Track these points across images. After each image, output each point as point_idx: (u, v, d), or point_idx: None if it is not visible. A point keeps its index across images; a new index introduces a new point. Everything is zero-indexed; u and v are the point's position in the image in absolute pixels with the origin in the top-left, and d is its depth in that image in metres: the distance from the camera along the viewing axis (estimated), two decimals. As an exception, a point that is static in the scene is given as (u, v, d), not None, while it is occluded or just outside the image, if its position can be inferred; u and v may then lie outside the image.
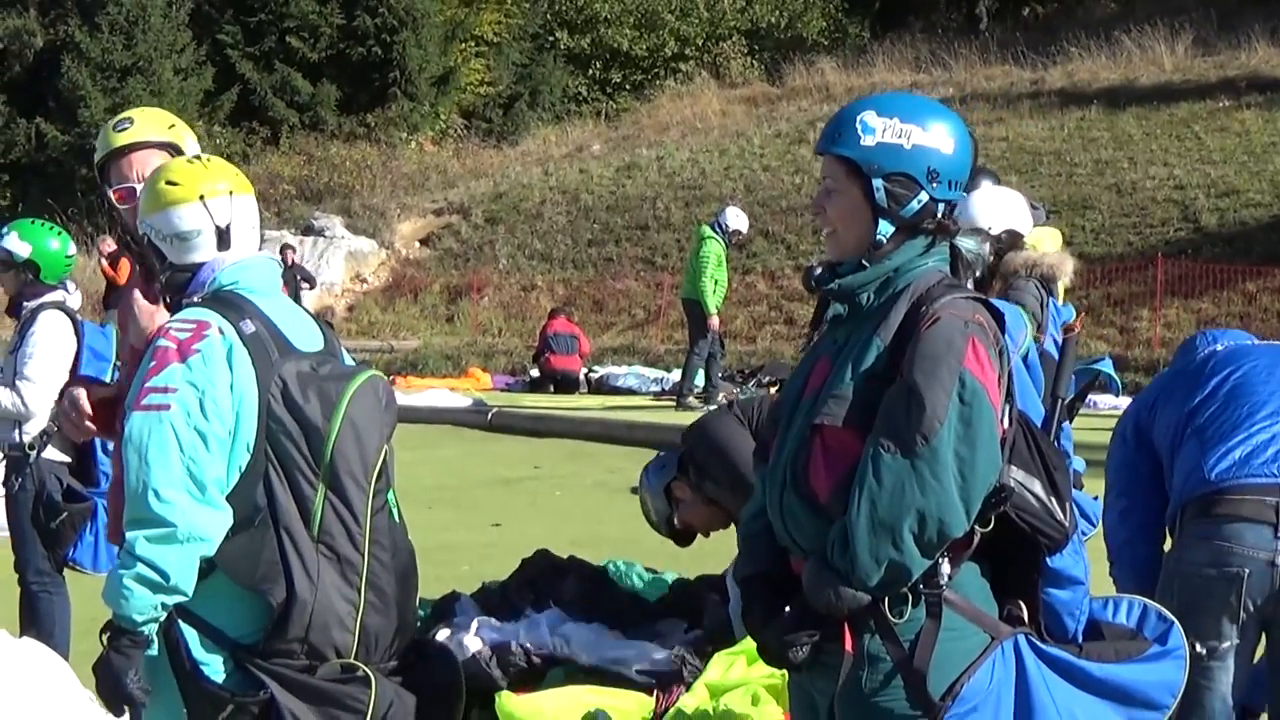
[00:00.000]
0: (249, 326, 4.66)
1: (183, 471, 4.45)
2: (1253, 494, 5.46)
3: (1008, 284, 7.46)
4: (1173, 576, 5.49)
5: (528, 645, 7.42)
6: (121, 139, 5.68)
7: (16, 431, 8.40)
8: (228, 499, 4.53)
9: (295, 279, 31.54)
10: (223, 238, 4.86)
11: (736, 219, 22.65)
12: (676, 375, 27.45)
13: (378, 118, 46.15)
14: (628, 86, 52.66)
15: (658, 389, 26.81)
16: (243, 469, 4.58)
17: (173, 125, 5.77)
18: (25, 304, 8.46)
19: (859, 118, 4.15)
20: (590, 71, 53.42)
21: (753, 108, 45.25)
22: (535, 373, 29.28)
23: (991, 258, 7.71)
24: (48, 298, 8.45)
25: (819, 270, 4.30)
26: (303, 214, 40.71)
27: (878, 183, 4.11)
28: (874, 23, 53.96)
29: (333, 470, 4.62)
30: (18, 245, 8.53)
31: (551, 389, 27.97)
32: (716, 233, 21.92)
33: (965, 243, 4.27)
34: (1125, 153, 35.39)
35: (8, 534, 8.78)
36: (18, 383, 8.34)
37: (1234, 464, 5.54)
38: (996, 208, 7.61)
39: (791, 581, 4.20)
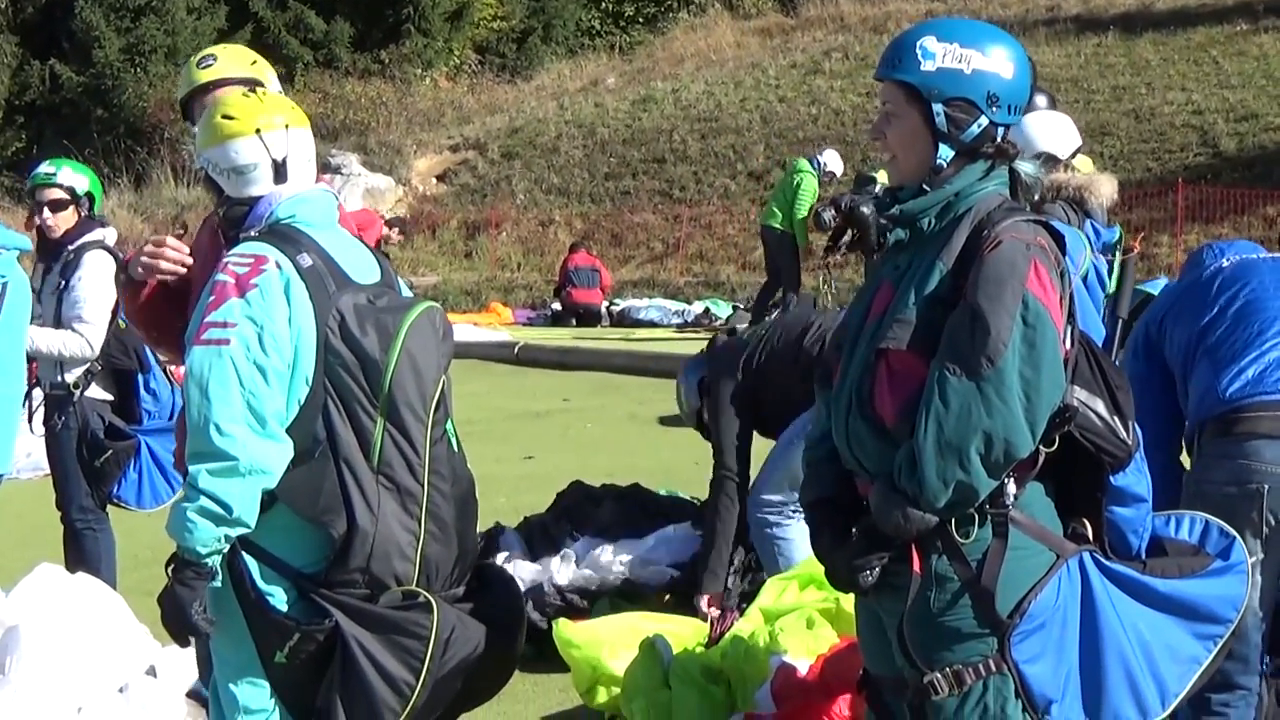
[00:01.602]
0: (306, 260, 4.68)
1: (243, 405, 4.48)
2: (1268, 410, 5.48)
3: (1034, 208, 7.46)
4: (1194, 497, 5.48)
5: (560, 584, 7.54)
6: (205, 75, 5.68)
7: (59, 371, 8.44)
8: (287, 432, 4.57)
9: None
10: (279, 171, 4.88)
11: (834, 161, 22.74)
12: (697, 308, 27.55)
13: (392, 54, 46.01)
14: (641, 19, 52.53)
15: (679, 321, 26.85)
16: (302, 402, 4.61)
17: (255, 62, 5.78)
18: (68, 245, 8.46)
19: (919, 43, 4.16)
20: (603, 4, 53.30)
21: (767, 39, 45.11)
22: (557, 306, 29.31)
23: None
24: (89, 237, 8.45)
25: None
26: (319, 152, 40.19)
27: (938, 108, 4.13)
28: (889, -50, 53.70)
29: (391, 402, 4.64)
30: (74, 179, 8.56)
31: (574, 322, 28.00)
32: (813, 169, 21.98)
33: (1024, 166, 4.30)
34: (1143, 78, 35.27)
35: (48, 471, 8.85)
36: (77, 326, 8.33)
37: (1248, 382, 5.54)
38: (1041, 130, 7.61)
39: (858, 505, 4.25)
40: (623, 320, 27.99)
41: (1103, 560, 4.23)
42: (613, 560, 7.60)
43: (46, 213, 8.47)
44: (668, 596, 7.71)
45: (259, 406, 4.51)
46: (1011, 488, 4.08)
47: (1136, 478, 4.33)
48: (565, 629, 6.75)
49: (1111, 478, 4.23)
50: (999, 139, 4.22)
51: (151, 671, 6.92)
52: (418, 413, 4.71)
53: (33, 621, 6.81)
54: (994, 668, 4.09)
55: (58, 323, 8.37)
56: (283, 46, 45.98)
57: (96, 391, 8.44)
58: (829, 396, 4.39)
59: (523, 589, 7.54)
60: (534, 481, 10.33)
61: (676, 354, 17.38)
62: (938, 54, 4.15)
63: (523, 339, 21.90)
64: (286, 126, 4.93)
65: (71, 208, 8.52)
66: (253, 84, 5.51)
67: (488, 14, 50.58)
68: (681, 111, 39.68)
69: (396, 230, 23.93)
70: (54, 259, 8.50)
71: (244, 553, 4.65)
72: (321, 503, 4.61)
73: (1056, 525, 4.22)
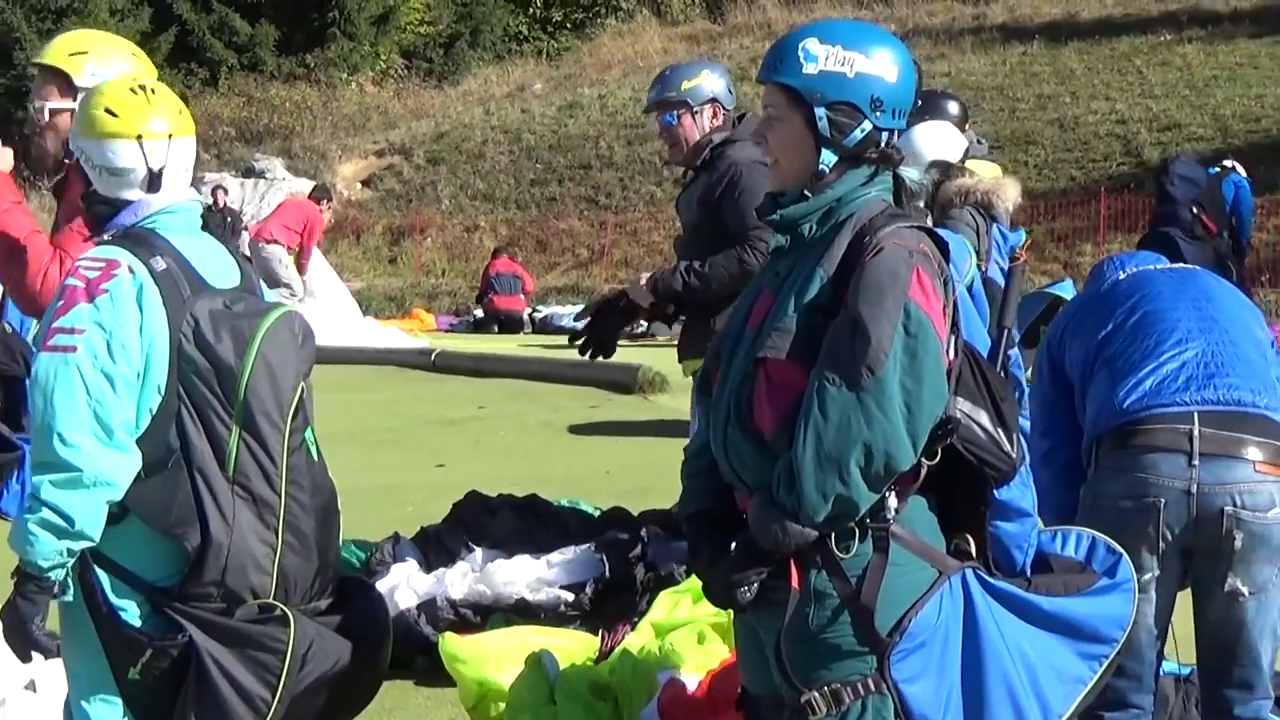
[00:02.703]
0: (160, 263, 4.50)
1: (89, 415, 4.31)
2: (1165, 423, 5.38)
3: (944, 213, 7.40)
4: (1089, 510, 5.39)
5: (454, 598, 7.43)
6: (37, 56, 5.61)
7: None
8: (139, 441, 4.40)
9: (225, 221, 31.38)
10: (153, 181, 4.67)
11: None
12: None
13: (317, 58, 45.86)
14: (569, 25, 52.50)
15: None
16: (154, 411, 4.44)
17: (79, 53, 5.63)
18: None
19: (801, 45, 4.05)
20: (531, 10, 53.25)
21: (694, 45, 45.12)
22: (479, 313, 29.21)
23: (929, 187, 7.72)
24: None
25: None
26: (243, 156, 40.51)
27: (820, 111, 4.02)
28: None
29: (247, 410, 4.47)
30: None
31: (496, 329, 27.92)
32: None
33: (909, 172, 4.20)
34: (1067, 87, 35.52)
35: None
36: None
37: (1145, 394, 5.44)
38: (930, 139, 7.56)
39: (737, 519, 4.14)
40: (545, 327, 27.89)
41: (986, 577, 4.10)
42: (509, 579, 7.47)
43: None
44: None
45: (106, 416, 4.34)
46: (893, 501, 3.96)
47: (1021, 492, 4.23)
48: (451, 643, 6.61)
49: (995, 492, 4.13)
50: (883, 144, 4.10)
51: (31, 686, 6.75)
52: (274, 421, 4.54)
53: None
54: (873, 687, 3.96)
55: None
56: (207, 49, 45.87)
57: None
58: (707, 406, 4.28)
59: (416, 601, 7.46)
60: (443, 490, 10.19)
61: (593, 361, 17.28)
62: (820, 56, 4.03)
63: (440, 346, 21.71)
64: (170, 136, 4.72)
65: None
66: (61, 79, 5.38)
67: (415, 19, 50.49)
68: (608, 118, 39.71)
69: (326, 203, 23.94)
70: None
71: (95, 566, 4.48)
72: (174, 514, 4.44)
73: (939, 541, 4.10)
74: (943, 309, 3.96)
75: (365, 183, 40.40)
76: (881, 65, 4.05)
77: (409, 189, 39.35)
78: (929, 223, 7.19)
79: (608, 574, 7.50)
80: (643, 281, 7.37)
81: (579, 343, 7.55)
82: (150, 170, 4.68)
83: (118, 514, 4.40)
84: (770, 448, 3.99)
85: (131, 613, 4.51)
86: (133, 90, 4.83)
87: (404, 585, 7.58)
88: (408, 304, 32.16)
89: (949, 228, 7.34)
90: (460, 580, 7.59)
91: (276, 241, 22.19)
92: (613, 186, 36.43)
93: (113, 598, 4.50)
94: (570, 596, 7.40)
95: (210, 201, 32.35)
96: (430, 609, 7.45)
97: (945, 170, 7.59)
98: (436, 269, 35.93)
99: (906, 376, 3.84)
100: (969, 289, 6.41)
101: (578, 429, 15.17)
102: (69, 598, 4.47)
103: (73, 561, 4.40)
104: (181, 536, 4.45)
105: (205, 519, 4.45)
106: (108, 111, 4.69)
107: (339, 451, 14.66)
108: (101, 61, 5.67)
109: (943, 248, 4.07)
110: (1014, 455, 4.09)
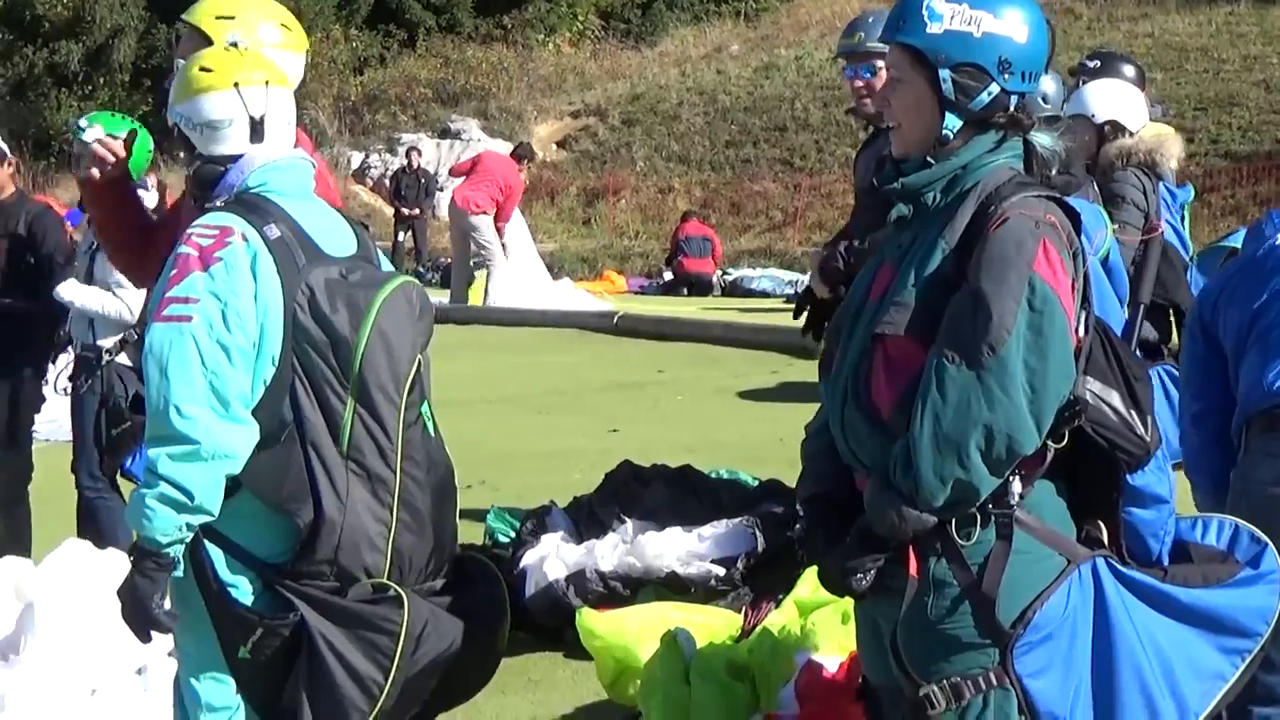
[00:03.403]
0: (274, 231, 4.42)
1: (205, 386, 4.24)
2: None
3: (1105, 176, 7.16)
4: (1239, 496, 5.07)
5: (603, 570, 7.31)
6: (186, 15, 5.54)
7: (91, 332, 8.29)
8: (253, 414, 4.32)
9: (419, 182, 31.56)
10: (256, 129, 4.59)
11: None
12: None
13: (514, 19, 45.87)
14: (769, -14, 52.13)
15: (792, 291, 26.46)
16: (268, 382, 4.37)
17: (224, 17, 5.54)
18: None
19: (926, 3, 3.87)
20: (731, -30, 52.88)
21: (893, 5, 44.55)
22: (669, 276, 29.09)
23: (1094, 149, 7.49)
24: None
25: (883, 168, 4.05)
26: (439, 117, 40.72)
27: (945, 73, 3.84)
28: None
29: (362, 383, 4.39)
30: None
31: (685, 292, 27.78)
32: None
33: (1041, 138, 3.98)
34: (1275, 48, 34.68)
35: (70, 439, 8.71)
36: (116, 290, 8.20)
37: None
38: (1104, 97, 7.33)
39: (856, 502, 3.94)
40: (734, 290, 27.73)
41: (1119, 566, 3.90)
42: (659, 551, 7.34)
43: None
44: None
45: (222, 388, 4.26)
46: (1017, 486, 3.78)
47: (1157, 477, 3.99)
48: (589, 619, 6.49)
49: (1129, 477, 3.91)
50: (1012, 108, 3.90)
51: (173, 654, 6.72)
52: (390, 395, 4.45)
53: (51, 599, 6.63)
54: (995, 681, 3.80)
55: (89, 281, 8.22)
56: (406, 11, 46.11)
57: (126, 360, 8.24)
58: (827, 383, 4.10)
59: (565, 572, 7.35)
60: (614, 456, 10.09)
61: (776, 325, 17.11)
62: (945, 15, 3.85)
63: (624, 309, 21.61)
64: (266, 83, 4.65)
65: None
66: (205, 40, 5.31)
67: (613, -21, 50.42)
68: (804, 79, 39.37)
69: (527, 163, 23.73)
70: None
71: (207, 542, 4.41)
72: (287, 489, 4.38)
73: (1069, 528, 3.91)
74: (1071, 283, 3.77)
75: (560, 144, 40.42)
76: (1011, 25, 3.85)
77: (604, 150, 39.31)
78: (1093, 187, 7.01)
79: (760, 548, 7.34)
80: (813, 271, 7.12)
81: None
82: (252, 118, 4.60)
83: (230, 488, 4.33)
84: (888, 428, 3.81)
85: (243, 590, 4.46)
86: (225, 49, 4.79)
87: (553, 556, 7.48)
88: (600, 266, 32.14)
89: (1115, 190, 7.11)
90: (610, 552, 7.48)
91: (484, 211, 21.82)
92: (808, 148, 36.12)
93: (224, 574, 4.45)
94: (721, 571, 7.27)
95: (405, 162, 32.62)
96: (579, 581, 7.35)
97: (1116, 131, 7.37)
98: (630, 230, 35.88)
99: (1031, 354, 3.66)
100: (1105, 262, 6.14)
101: (755, 394, 14.96)
102: (179, 574, 4.40)
103: (189, 537, 4.32)
104: (294, 512, 4.39)
105: (318, 495, 4.38)
106: (201, 69, 4.65)
107: (513, 415, 14.80)
108: (248, 28, 5.57)
109: (1074, 218, 3.85)
110: (1148, 439, 3.87)
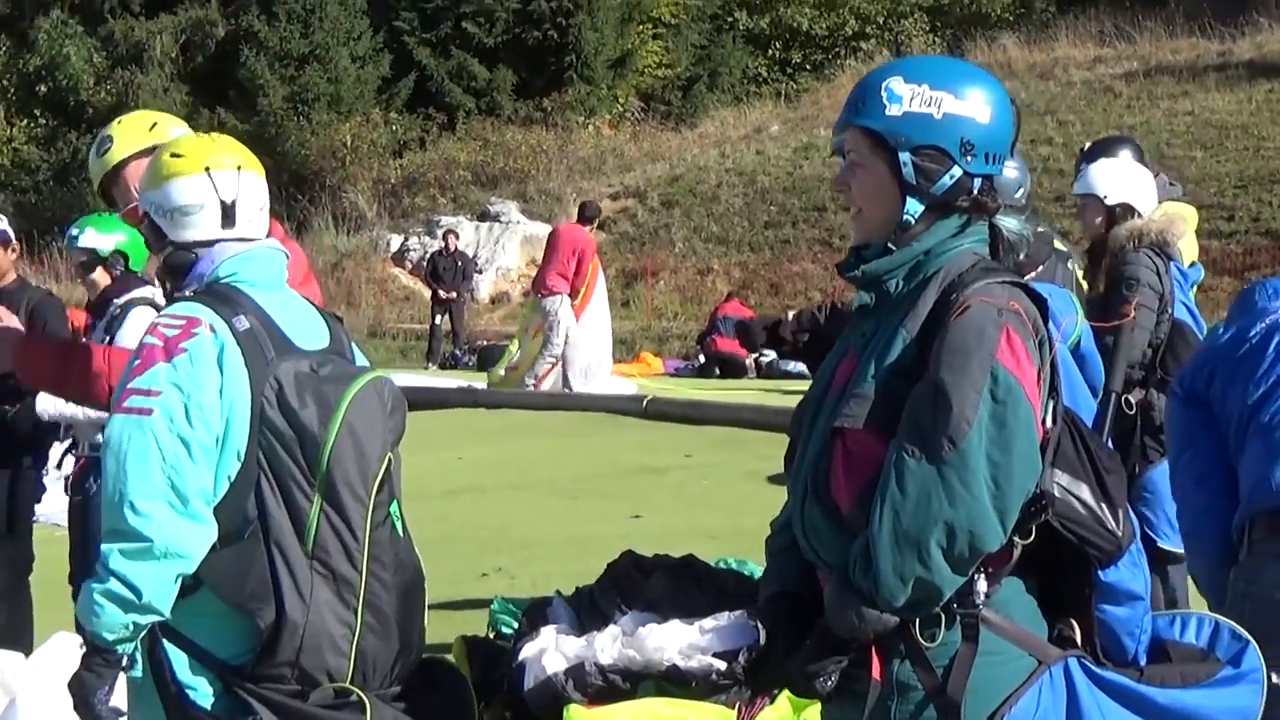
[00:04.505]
0: (243, 323, 4.34)
1: (164, 481, 4.14)
2: None
3: (1116, 259, 7.05)
4: (1243, 599, 4.88)
5: (603, 663, 7.16)
6: (107, 161, 5.45)
7: (100, 434, 8.18)
8: (215, 510, 4.23)
9: (456, 265, 31.56)
10: (228, 214, 4.52)
11: None
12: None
13: (554, 102, 46.05)
14: (808, 66, 52.31)
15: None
16: (232, 478, 4.27)
17: (154, 125, 5.53)
18: (114, 300, 8.19)
19: (884, 84, 3.74)
20: (770, 52, 53.22)
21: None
22: (703, 358, 28.97)
23: (1104, 229, 7.39)
24: (137, 293, 8.14)
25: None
26: (479, 199, 40.82)
27: (905, 156, 3.71)
28: (1059, -4, 52.98)
29: (329, 481, 4.28)
30: (98, 240, 8.28)
31: (717, 373, 27.62)
32: None
33: (1007, 222, 3.85)
34: (1316, 127, 34.49)
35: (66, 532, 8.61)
36: None
37: None
38: (1115, 178, 7.23)
39: (820, 601, 3.81)
40: (771, 372, 27.52)
41: (1093, 667, 3.75)
42: (660, 644, 7.19)
43: (82, 274, 8.30)
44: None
45: (181, 484, 4.17)
46: (983, 585, 3.62)
47: (1131, 573, 3.83)
48: (577, 715, 6.37)
49: (1101, 573, 3.75)
50: (976, 191, 3.76)
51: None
52: (358, 493, 4.33)
53: (36, 693, 6.54)
54: (962, 790, 3.63)
55: None
56: (445, 94, 46.38)
57: None
58: (789, 478, 3.97)
59: (565, 665, 7.21)
60: (635, 542, 9.95)
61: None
62: (905, 97, 3.72)
63: (654, 391, 21.50)
64: (238, 168, 4.59)
65: (100, 268, 8.26)
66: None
67: (653, 62, 50.68)
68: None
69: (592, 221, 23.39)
70: (99, 315, 8.25)
71: (166, 640, 4.31)
72: (249, 588, 4.27)
73: (1040, 627, 3.75)
74: (1037, 373, 3.62)
75: (599, 225, 40.37)
76: (973, 105, 3.72)
77: (643, 232, 39.30)
78: (1063, 269, 6.89)
79: (762, 641, 7.19)
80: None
81: None
82: (223, 202, 4.53)
83: (190, 586, 4.24)
84: (848, 525, 3.67)
85: (201, 692, 4.35)
86: (196, 135, 4.75)
87: (553, 648, 7.34)
88: (637, 347, 32.01)
89: (1127, 272, 7.01)
90: (610, 644, 7.33)
91: (554, 292, 21.63)
92: (847, 228, 35.59)
93: (182, 676, 4.35)
94: (723, 665, 7.11)
95: (442, 245, 32.65)
96: (578, 674, 7.20)
97: (1126, 213, 7.27)
98: (668, 312, 35.81)
99: (993, 448, 3.50)
100: (1076, 347, 6.00)
101: (783, 478, 14.77)
102: (137, 673, 4.31)
103: (141, 635, 4.22)
104: (255, 612, 4.29)
105: (281, 595, 4.28)
106: (173, 155, 4.60)
107: (540, 500, 14.71)
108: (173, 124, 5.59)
109: (1040, 304, 3.72)
110: (1120, 533, 3.71)
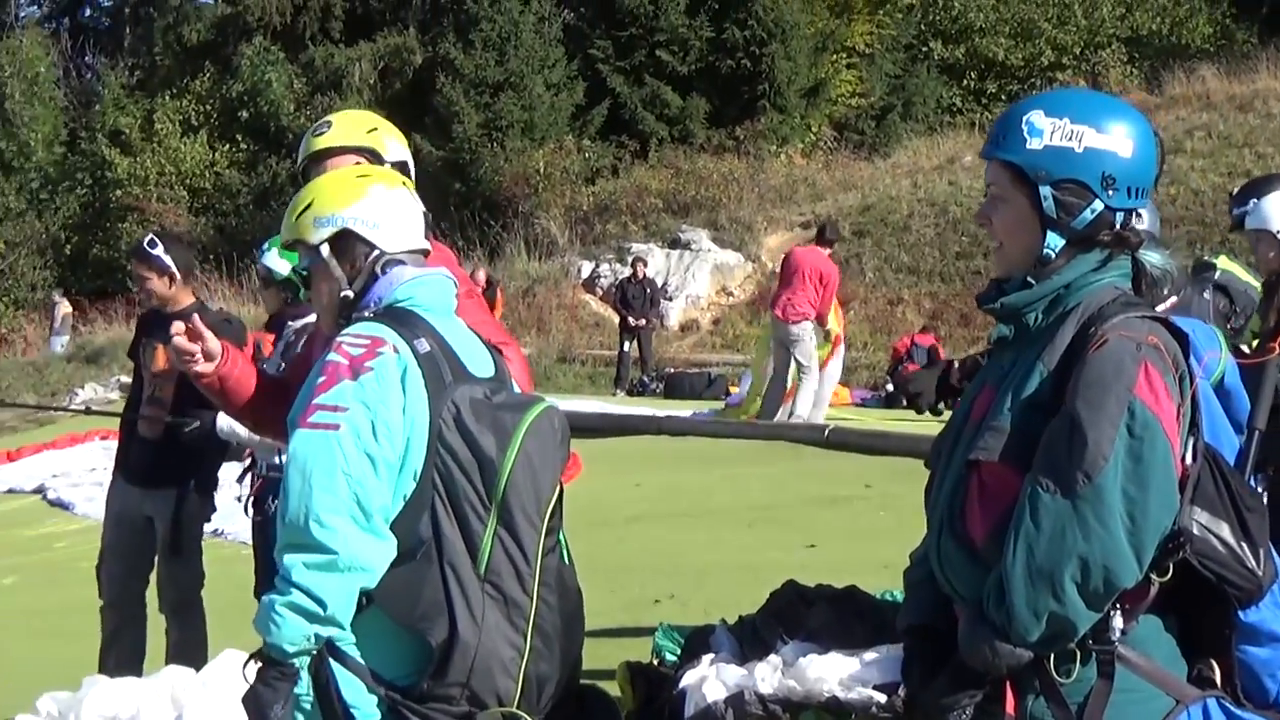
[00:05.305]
0: (424, 345, 4.41)
1: (349, 496, 4.21)
2: None
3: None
4: None
5: (763, 693, 7.16)
6: (318, 143, 5.52)
7: (279, 454, 8.32)
8: (390, 529, 4.29)
9: (644, 292, 31.67)
10: (426, 226, 4.75)
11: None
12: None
13: (746, 130, 46.00)
14: (1003, 96, 51.79)
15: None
16: (408, 498, 4.32)
17: (373, 129, 5.55)
18: (289, 323, 8.34)
19: (1025, 118, 3.79)
20: (965, 82, 52.77)
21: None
22: (890, 387, 28.82)
23: (1277, 265, 7.26)
24: (312, 318, 8.31)
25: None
26: (669, 227, 40.86)
27: (1045, 190, 3.75)
28: (1261, 27, 52.00)
29: (505, 505, 4.31)
30: (277, 263, 8.46)
31: (904, 403, 27.43)
32: None
33: (1151, 256, 3.84)
34: None
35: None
36: None
37: None
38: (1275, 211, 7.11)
39: (956, 634, 3.81)
40: (955, 404, 27.20)
41: (1232, 708, 3.76)
42: (820, 675, 7.18)
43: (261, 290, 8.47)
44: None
45: (365, 499, 4.23)
46: (1119, 621, 3.64)
47: (1273, 614, 3.84)
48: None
49: (1241, 613, 3.73)
50: (1118, 225, 3.75)
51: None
52: (532, 519, 4.37)
53: (204, 709, 6.66)
54: (1097, 827, 3.62)
55: None
56: (639, 122, 46.52)
57: None
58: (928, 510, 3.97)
59: (724, 694, 7.22)
60: (809, 572, 9.96)
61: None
62: (1046, 130, 3.75)
63: (838, 421, 21.40)
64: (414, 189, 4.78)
65: (273, 289, 8.42)
66: (368, 154, 5.31)
67: (846, 90, 50.47)
68: (1035, 190, 38.88)
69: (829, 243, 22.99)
70: (277, 338, 8.41)
71: (332, 660, 4.32)
72: (421, 608, 4.30)
73: (1179, 666, 3.75)
74: (1176, 409, 3.61)
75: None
76: (1115, 139, 3.74)
77: (834, 261, 39.11)
78: (1207, 304, 6.78)
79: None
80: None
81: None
82: (425, 213, 4.74)
83: (360, 604, 4.28)
84: (983, 558, 3.67)
85: (367, 712, 4.35)
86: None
87: (713, 677, 7.38)
88: (826, 378, 31.91)
89: None
90: (771, 674, 7.35)
91: (803, 317, 21.42)
92: (1037, 261, 35.70)
93: (348, 695, 4.33)
94: (883, 698, 7.10)
95: (631, 272, 32.79)
96: (738, 704, 7.23)
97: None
98: (858, 342, 35.59)
99: (1129, 483, 3.52)
100: (1220, 384, 5.90)
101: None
102: (301, 690, 4.32)
103: (315, 650, 4.27)
104: (426, 632, 4.30)
105: (454, 616, 4.29)
106: (361, 176, 4.75)
107: (717, 528, 14.71)
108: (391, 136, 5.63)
109: (1181, 339, 3.69)
110: (1261, 573, 3.68)
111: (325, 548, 4.17)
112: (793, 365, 21.23)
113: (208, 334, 5.07)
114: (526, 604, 4.35)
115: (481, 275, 30.58)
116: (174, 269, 8.77)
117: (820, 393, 21.69)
